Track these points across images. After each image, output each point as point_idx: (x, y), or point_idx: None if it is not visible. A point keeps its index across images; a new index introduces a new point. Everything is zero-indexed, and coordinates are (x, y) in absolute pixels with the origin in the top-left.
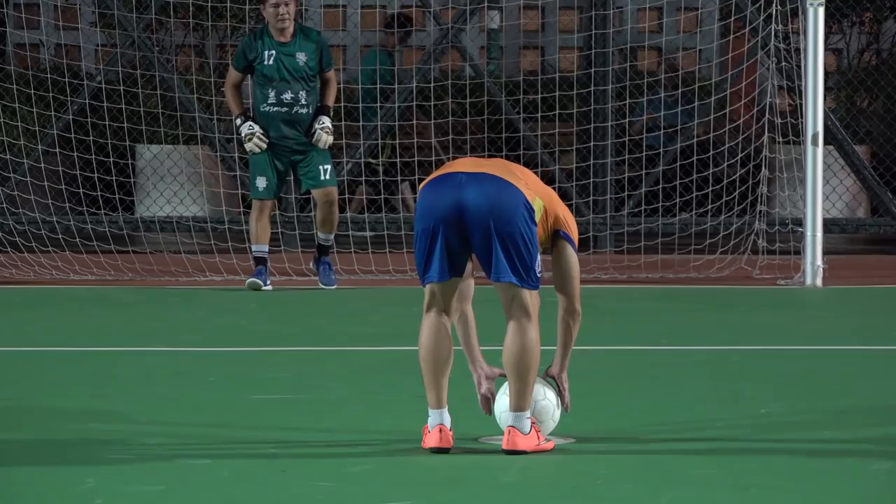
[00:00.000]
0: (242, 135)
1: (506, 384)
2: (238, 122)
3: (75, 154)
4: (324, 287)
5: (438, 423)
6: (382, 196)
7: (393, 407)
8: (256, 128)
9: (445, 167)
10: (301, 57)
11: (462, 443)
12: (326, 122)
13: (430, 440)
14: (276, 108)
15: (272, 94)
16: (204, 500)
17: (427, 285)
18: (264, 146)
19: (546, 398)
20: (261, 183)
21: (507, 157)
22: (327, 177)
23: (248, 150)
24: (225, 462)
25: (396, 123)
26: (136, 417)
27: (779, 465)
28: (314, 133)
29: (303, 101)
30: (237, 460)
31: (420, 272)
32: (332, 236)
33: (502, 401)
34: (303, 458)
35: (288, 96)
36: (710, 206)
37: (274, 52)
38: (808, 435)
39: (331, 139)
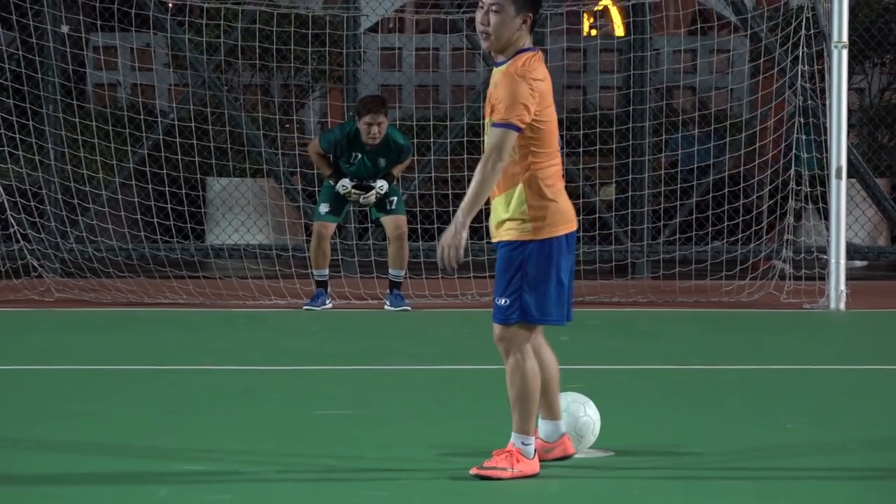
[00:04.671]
0: (341, 192)
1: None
2: (331, 181)
3: (150, 186)
4: (391, 309)
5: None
6: (435, 225)
7: (446, 422)
8: (349, 184)
9: (570, 214)
10: (382, 161)
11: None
12: (384, 188)
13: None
14: (353, 177)
15: (352, 174)
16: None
17: (551, 325)
18: (361, 195)
19: (586, 414)
20: (324, 208)
21: None
22: (394, 207)
23: (349, 199)
24: (288, 473)
25: (448, 158)
26: (205, 432)
27: (804, 475)
28: (370, 189)
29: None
30: (299, 472)
31: (558, 314)
32: (403, 273)
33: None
34: (360, 470)
35: (364, 178)
36: (740, 235)
37: (360, 154)
38: (832, 449)
39: (372, 201)
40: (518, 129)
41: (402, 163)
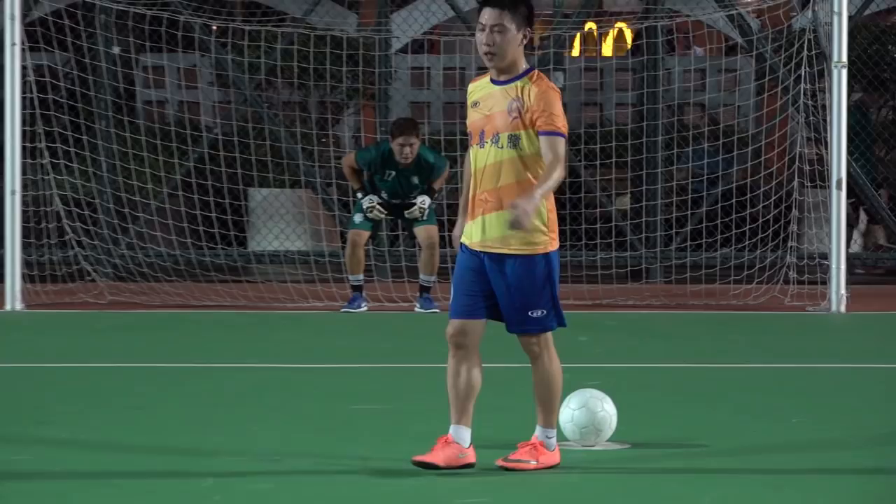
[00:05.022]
0: (364, 206)
1: (571, 397)
2: (359, 195)
3: (196, 196)
4: (421, 311)
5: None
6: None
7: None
8: (375, 200)
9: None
10: (415, 179)
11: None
12: (426, 203)
13: (471, 457)
14: (388, 194)
15: (386, 189)
16: (308, 496)
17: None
18: (383, 215)
19: (604, 410)
20: (358, 218)
21: (570, 201)
22: (426, 217)
23: (370, 216)
24: (325, 464)
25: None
26: (247, 425)
27: (809, 466)
28: (413, 205)
29: (412, 195)
30: (335, 463)
31: (562, 314)
32: (433, 278)
33: (565, 413)
34: (394, 459)
35: (399, 195)
36: (747, 242)
37: (394, 172)
38: (835, 443)
39: (417, 215)
40: (566, 137)
41: (441, 177)
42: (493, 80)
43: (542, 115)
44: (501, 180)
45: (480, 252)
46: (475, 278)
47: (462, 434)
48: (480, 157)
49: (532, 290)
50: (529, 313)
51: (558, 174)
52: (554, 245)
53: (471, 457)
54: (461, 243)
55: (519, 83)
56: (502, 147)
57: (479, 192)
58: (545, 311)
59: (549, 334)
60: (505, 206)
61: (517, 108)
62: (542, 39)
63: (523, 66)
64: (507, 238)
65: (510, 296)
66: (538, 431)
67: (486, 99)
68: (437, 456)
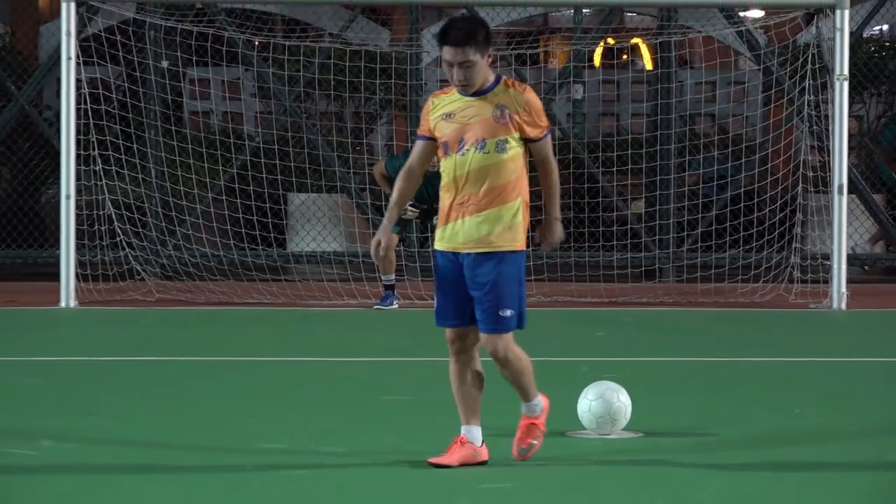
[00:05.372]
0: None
1: (588, 388)
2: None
3: (238, 200)
4: None
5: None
6: None
7: (494, 406)
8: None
9: None
10: (439, 185)
11: (551, 437)
12: None
13: (484, 454)
14: (416, 198)
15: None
16: (341, 482)
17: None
18: (415, 214)
19: (619, 401)
20: None
21: (588, 205)
22: None
23: (404, 217)
24: (358, 450)
25: None
26: (285, 414)
27: (811, 455)
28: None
29: (437, 201)
30: (368, 449)
31: (524, 316)
32: None
33: (582, 404)
34: (421, 448)
35: (425, 200)
36: (754, 244)
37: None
38: (836, 430)
39: (413, 215)
40: (551, 131)
41: None
42: (466, 94)
43: (532, 121)
44: (487, 183)
45: (459, 254)
46: (460, 283)
47: (474, 433)
48: (460, 164)
49: (505, 287)
50: (500, 312)
51: (557, 175)
52: (524, 244)
53: (484, 454)
54: (436, 250)
55: (497, 90)
56: (489, 152)
57: (457, 196)
58: (513, 312)
59: (511, 336)
60: (490, 207)
61: (506, 114)
62: (563, 54)
63: (492, 76)
64: (484, 238)
65: (485, 295)
66: (525, 409)
67: (462, 110)
68: (452, 457)
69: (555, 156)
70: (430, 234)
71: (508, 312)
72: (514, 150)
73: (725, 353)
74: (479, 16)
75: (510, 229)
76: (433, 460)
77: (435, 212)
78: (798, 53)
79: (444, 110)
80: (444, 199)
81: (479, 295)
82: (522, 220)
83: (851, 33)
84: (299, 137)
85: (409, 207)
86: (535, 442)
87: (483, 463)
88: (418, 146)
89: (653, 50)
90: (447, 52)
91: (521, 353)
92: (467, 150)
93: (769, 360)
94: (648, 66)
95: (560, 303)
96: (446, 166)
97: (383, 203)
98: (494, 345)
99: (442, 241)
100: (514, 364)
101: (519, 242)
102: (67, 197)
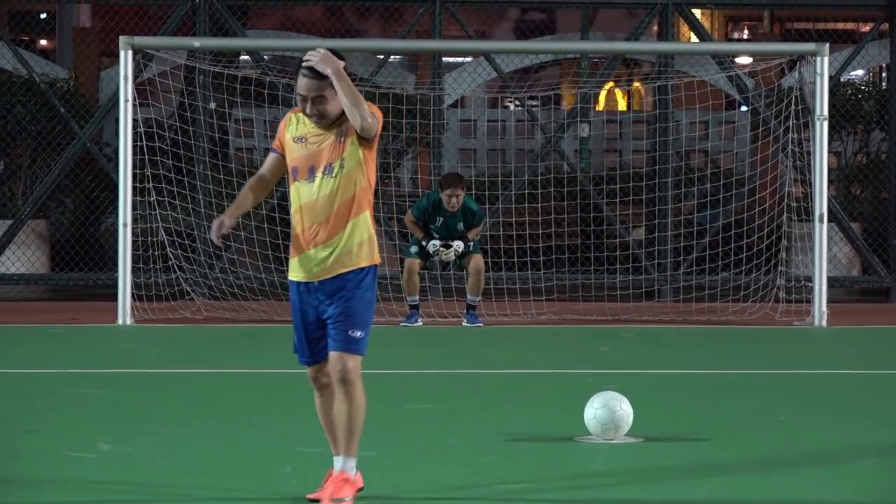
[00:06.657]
0: (431, 251)
1: (594, 398)
2: (424, 242)
3: (278, 228)
4: (468, 326)
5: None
6: (502, 260)
7: (511, 414)
8: (438, 244)
9: None
10: (460, 225)
11: (560, 441)
12: (461, 248)
13: (359, 482)
14: (439, 236)
15: (437, 232)
16: (368, 480)
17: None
18: (452, 255)
19: (622, 409)
20: (413, 248)
21: (594, 232)
22: (472, 248)
23: (444, 258)
24: (384, 453)
25: (513, 206)
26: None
27: (796, 457)
28: (448, 246)
29: (455, 237)
30: (393, 452)
31: (366, 343)
32: (479, 298)
33: (588, 412)
34: (443, 452)
35: (445, 237)
36: (743, 267)
37: (443, 218)
38: (818, 435)
39: (452, 258)
40: (377, 119)
41: (476, 227)
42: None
43: (368, 119)
44: (335, 205)
45: (314, 282)
46: (314, 317)
47: (349, 463)
48: (309, 192)
49: (359, 305)
50: (349, 332)
51: (365, 106)
52: (378, 260)
53: (359, 481)
54: (291, 280)
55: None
56: (336, 176)
57: (306, 226)
58: (362, 334)
59: (361, 361)
60: (340, 229)
61: (344, 130)
62: (571, 96)
63: None
64: (338, 262)
65: (339, 314)
66: (342, 463)
67: (314, 136)
68: (325, 493)
69: (563, 188)
70: (455, 260)
71: (358, 333)
72: (353, 161)
73: (718, 366)
74: (339, 51)
75: (361, 244)
76: (309, 496)
77: (449, 247)
78: (783, 96)
79: (299, 132)
80: (295, 226)
81: (331, 316)
82: (371, 233)
83: (830, 78)
84: None
85: (441, 249)
86: (347, 499)
87: (360, 490)
88: (270, 159)
89: (651, 93)
90: (302, 86)
91: (364, 398)
92: (317, 176)
93: (757, 372)
94: (622, 106)
95: (569, 321)
96: (293, 194)
97: (407, 230)
98: (344, 363)
99: (293, 271)
100: (357, 394)
101: (371, 259)
102: (124, 225)
